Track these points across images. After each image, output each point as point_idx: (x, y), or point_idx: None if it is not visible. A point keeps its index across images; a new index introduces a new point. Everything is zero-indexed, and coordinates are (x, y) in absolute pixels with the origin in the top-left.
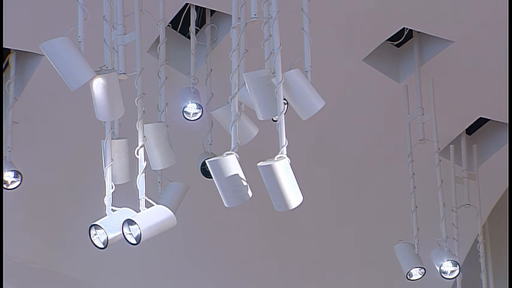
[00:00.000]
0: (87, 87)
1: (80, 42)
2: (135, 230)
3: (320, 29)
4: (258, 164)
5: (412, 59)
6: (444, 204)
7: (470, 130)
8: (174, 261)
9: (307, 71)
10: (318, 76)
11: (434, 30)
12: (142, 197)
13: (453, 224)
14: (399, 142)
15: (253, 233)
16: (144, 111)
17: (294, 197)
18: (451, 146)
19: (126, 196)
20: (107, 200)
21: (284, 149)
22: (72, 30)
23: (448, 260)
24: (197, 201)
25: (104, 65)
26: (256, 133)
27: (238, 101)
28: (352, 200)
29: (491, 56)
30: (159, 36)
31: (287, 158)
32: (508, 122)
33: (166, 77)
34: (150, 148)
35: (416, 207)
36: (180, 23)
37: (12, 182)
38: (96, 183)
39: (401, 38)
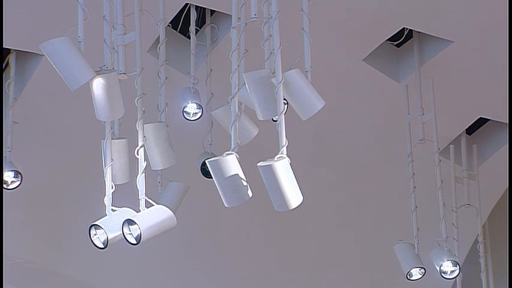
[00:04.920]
0: (87, 87)
1: (80, 42)
2: (135, 230)
3: (320, 29)
4: (258, 164)
5: (412, 59)
6: (444, 204)
7: (470, 130)
8: (174, 261)
9: (307, 71)
10: (318, 76)
11: (434, 30)
12: (142, 197)
13: (453, 224)
14: (399, 142)
15: (253, 233)
16: (144, 111)
17: (294, 197)
18: (451, 146)
19: (126, 196)
20: (107, 200)
21: (284, 149)
22: (72, 30)
23: (448, 260)
24: (197, 201)
25: (104, 65)
26: (256, 133)
27: (238, 101)
28: (352, 199)
29: (491, 56)
30: (159, 36)
31: (287, 158)
32: (508, 122)
33: (166, 77)
34: (150, 148)
35: (416, 207)
36: (180, 23)
37: (12, 182)
38: (96, 183)
39: (401, 38)
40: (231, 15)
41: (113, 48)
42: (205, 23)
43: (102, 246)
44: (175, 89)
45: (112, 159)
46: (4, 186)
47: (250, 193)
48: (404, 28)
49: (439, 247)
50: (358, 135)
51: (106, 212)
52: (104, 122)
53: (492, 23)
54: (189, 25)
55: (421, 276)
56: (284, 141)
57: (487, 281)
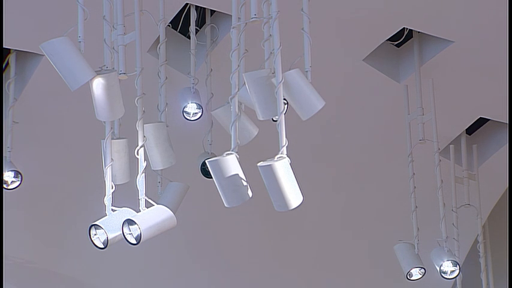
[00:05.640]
0: (87, 87)
1: (80, 42)
2: (135, 230)
3: (320, 29)
4: (258, 164)
5: (412, 59)
6: (444, 204)
7: (470, 130)
8: (174, 261)
9: (307, 71)
10: (318, 76)
11: (434, 30)
12: (142, 197)
13: (453, 224)
14: (399, 142)
15: (253, 233)
16: (144, 111)
17: (294, 197)
18: (451, 146)
19: (126, 196)
20: (107, 200)
21: (284, 149)
22: (72, 30)
23: (448, 260)
24: (197, 201)
25: (104, 65)
26: (256, 133)
27: (238, 101)
28: (352, 199)
29: (491, 56)
30: (159, 36)
31: (287, 158)
32: (508, 122)
33: (166, 77)
34: (150, 148)
35: (416, 207)
36: (180, 23)
37: (12, 182)
38: (96, 183)
39: (401, 38)
40: (231, 15)
41: (113, 48)
42: (205, 23)
43: (102, 246)
44: (175, 89)
45: (112, 159)
46: (4, 186)
47: (250, 193)
48: (404, 28)
49: (439, 247)
50: (358, 135)
51: (106, 212)
52: (104, 122)
53: (492, 23)
54: (189, 25)
55: (421, 276)
56: (284, 141)
57: (487, 281)
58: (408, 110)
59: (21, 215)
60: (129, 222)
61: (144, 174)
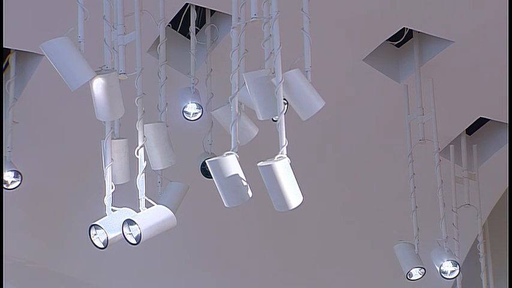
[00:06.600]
0: (87, 87)
1: (80, 42)
2: (135, 230)
3: (320, 29)
4: (258, 164)
5: (412, 59)
6: (444, 204)
7: (470, 130)
8: (174, 261)
9: (307, 71)
10: (318, 76)
11: (434, 30)
12: (142, 197)
13: (453, 224)
14: (399, 142)
15: (254, 232)
16: (144, 111)
17: (294, 197)
18: (451, 146)
19: (126, 196)
20: (107, 200)
21: (284, 149)
22: (72, 30)
23: (448, 260)
24: (197, 201)
25: (104, 65)
26: (256, 133)
27: (238, 101)
28: (351, 199)
29: (491, 56)
30: (159, 36)
31: (287, 158)
32: (508, 122)
33: (166, 77)
34: (150, 148)
35: (416, 207)
36: (180, 23)
37: (12, 182)
38: (96, 183)
39: (402, 38)
40: (231, 15)
41: (113, 48)
42: (205, 23)
43: (102, 246)
44: (175, 89)
45: (112, 159)
46: (4, 186)
47: (250, 193)
48: (404, 28)
49: (439, 247)
50: (358, 135)
51: (106, 212)
52: (104, 122)
53: (492, 23)
54: (189, 25)
55: (421, 276)
56: (284, 141)
57: (487, 281)
58: (408, 110)
59: (21, 215)
60: (129, 222)
61: (144, 174)
